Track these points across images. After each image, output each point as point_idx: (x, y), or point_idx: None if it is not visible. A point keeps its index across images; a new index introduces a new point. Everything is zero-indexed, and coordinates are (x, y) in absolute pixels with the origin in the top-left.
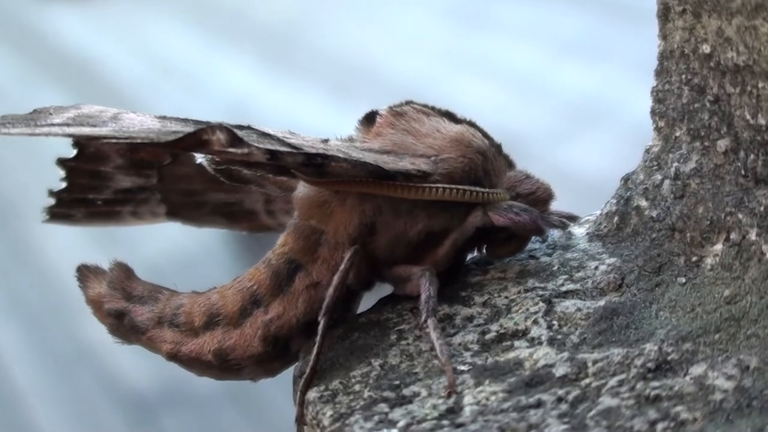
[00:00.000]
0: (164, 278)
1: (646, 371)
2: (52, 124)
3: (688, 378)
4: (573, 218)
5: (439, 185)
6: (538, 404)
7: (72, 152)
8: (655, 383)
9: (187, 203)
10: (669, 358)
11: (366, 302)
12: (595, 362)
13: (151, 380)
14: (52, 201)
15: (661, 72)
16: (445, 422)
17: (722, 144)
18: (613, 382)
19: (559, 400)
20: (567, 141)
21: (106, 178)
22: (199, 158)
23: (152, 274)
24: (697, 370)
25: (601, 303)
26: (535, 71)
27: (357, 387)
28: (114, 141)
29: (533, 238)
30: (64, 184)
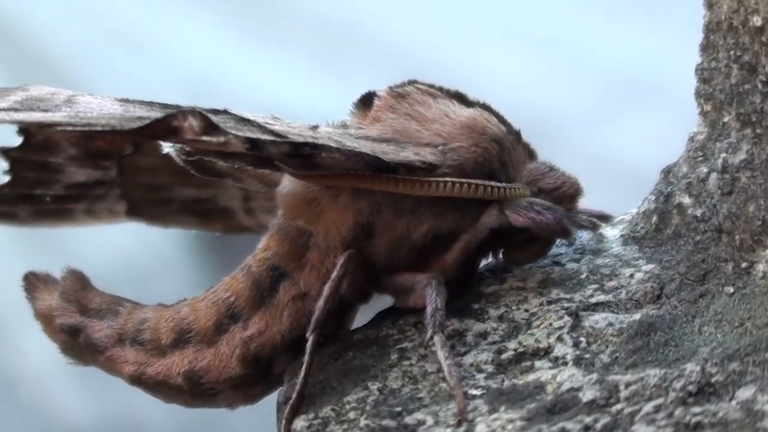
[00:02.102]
0: (112, 292)
1: (686, 395)
2: None
3: (734, 403)
4: (605, 218)
5: (448, 179)
6: None
7: (16, 140)
8: (697, 409)
9: (152, 200)
10: (713, 380)
11: (362, 316)
12: (627, 385)
13: (93, 415)
14: None
15: (706, 47)
16: None
17: None
18: (648, 407)
19: (586, 428)
20: (609, 122)
21: (56, 171)
22: (166, 148)
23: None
24: (744, 393)
25: (637, 317)
26: (569, 36)
27: (352, 414)
28: (70, 129)
29: (558, 240)
30: (7, 178)
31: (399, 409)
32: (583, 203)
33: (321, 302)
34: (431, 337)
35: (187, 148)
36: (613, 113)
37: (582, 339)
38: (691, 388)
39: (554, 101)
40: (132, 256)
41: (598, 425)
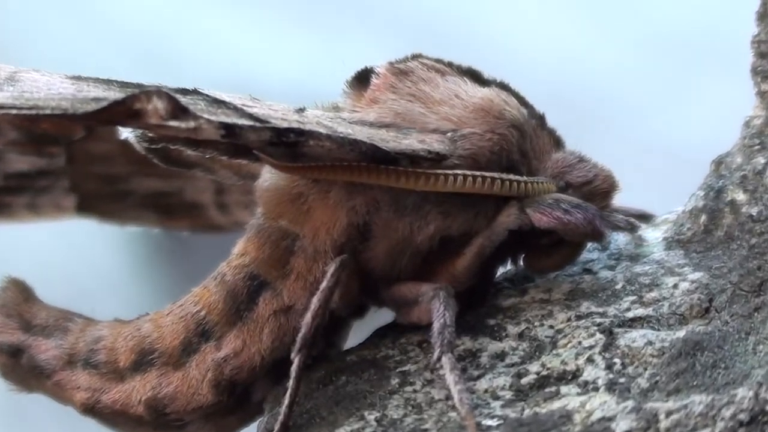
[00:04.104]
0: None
1: (737, 425)
2: None
3: None
4: (645, 217)
5: (459, 172)
6: None
7: None
8: None
9: (106, 193)
10: None
11: (357, 334)
12: (669, 414)
13: None
14: None
15: (764, 15)
16: None
17: None
18: None
19: None
20: (666, 100)
21: None
22: (125, 133)
23: None
24: None
25: (681, 334)
26: None
27: None
28: (14, 112)
29: (589, 244)
30: None
31: None
32: (624, 200)
33: (308, 317)
34: (439, 358)
35: (150, 135)
36: (670, 88)
37: (616, 360)
38: (742, 416)
39: (597, 74)
40: (67, 262)
41: None
